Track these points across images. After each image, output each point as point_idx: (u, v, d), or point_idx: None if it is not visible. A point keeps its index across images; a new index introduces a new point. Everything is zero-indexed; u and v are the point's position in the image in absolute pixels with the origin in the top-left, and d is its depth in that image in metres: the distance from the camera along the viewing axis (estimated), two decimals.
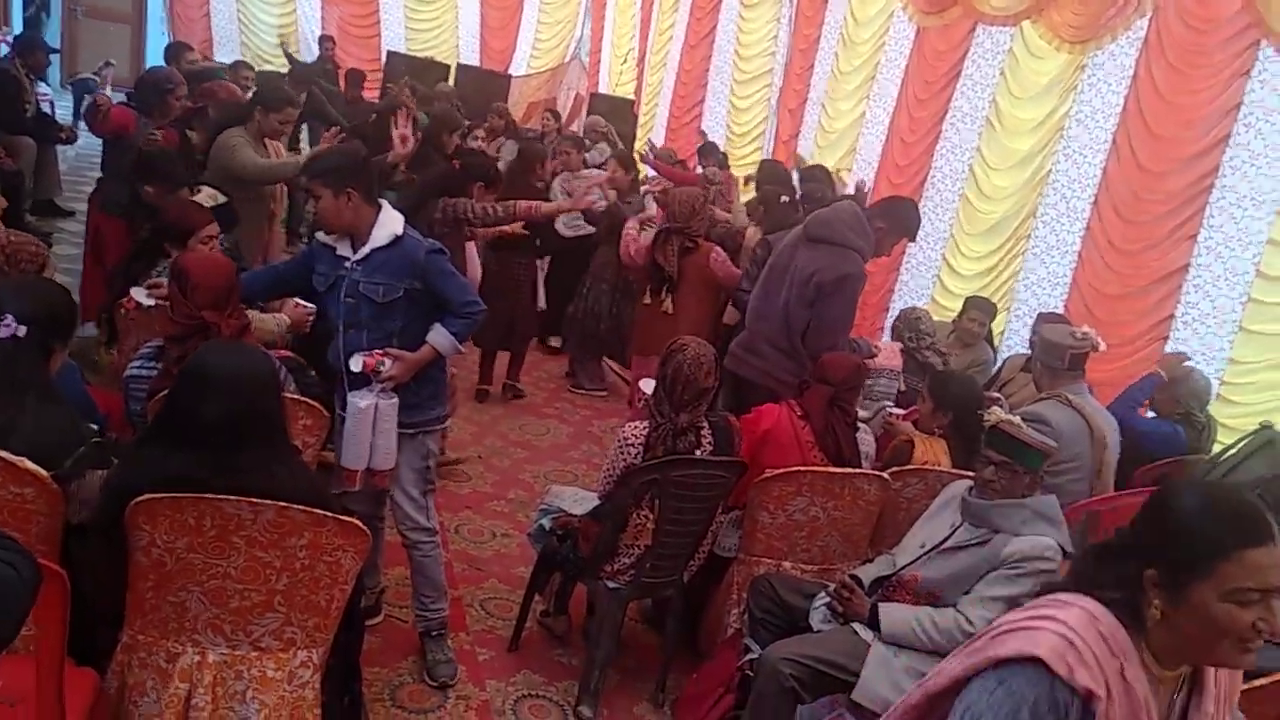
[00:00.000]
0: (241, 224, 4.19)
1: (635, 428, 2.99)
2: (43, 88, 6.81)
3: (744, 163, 8.59)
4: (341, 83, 9.00)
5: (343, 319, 2.78)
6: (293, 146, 6.51)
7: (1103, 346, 3.48)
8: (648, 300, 4.62)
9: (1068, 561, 2.57)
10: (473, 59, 12.39)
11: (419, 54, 11.48)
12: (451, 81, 10.09)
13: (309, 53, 10.59)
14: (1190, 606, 1.41)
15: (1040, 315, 4.71)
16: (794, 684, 2.49)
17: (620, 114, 10.09)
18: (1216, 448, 3.74)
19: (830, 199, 4.88)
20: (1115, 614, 1.46)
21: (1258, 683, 1.99)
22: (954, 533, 2.61)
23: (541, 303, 6.00)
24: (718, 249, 4.55)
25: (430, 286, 2.78)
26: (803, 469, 3.03)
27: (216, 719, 2.05)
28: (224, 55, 11.05)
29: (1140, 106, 5.04)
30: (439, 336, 2.81)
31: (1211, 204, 4.71)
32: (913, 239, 4.05)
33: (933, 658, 2.50)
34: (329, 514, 2.04)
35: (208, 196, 3.98)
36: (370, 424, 2.71)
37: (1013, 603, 2.44)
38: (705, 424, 2.99)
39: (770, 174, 5.93)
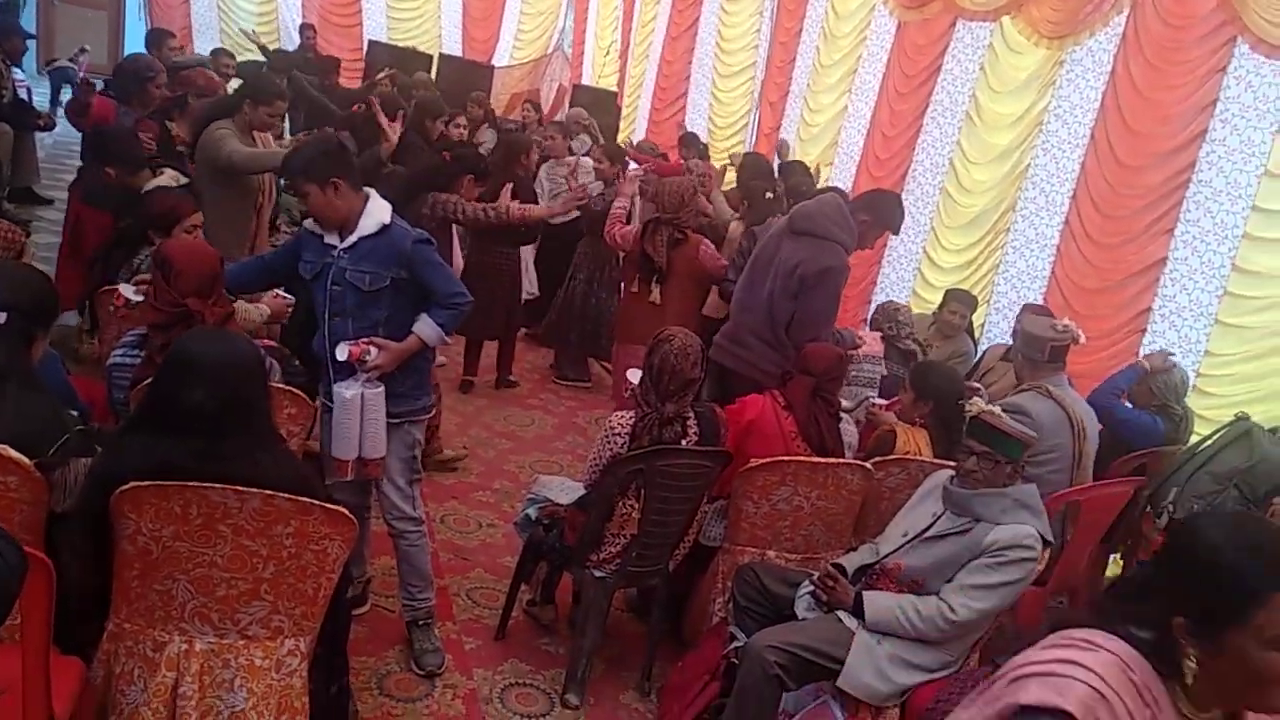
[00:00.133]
0: (228, 216, 4.16)
1: (621, 417, 3.00)
2: (19, 74, 6.69)
3: (726, 157, 8.60)
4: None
5: (328, 307, 2.76)
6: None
7: (1083, 339, 3.53)
8: (635, 290, 4.63)
9: (1048, 550, 2.61)
10: (455, 49, 12.32)
11: (401, 44, 11.39)
12: (434, 72, 10.02)
13: (289, 41, 10.47)
14: (1229, 656, 1.31)
15: (1025, 306, 4.76)
16: (779, 672, 2.52)
17: (603, 106, 10.05)
18: (1194, 439, 3.80)
19: (813, 191, 4.90)
20: (1146, 657, 1.36)
21: None
22: (936, 522, 2.64)
23: (535, 289, 5.98)
24: (707, 241, 4.56)
25: (416, 276, 2.76)
26: (786, 459, 3.05)
27: (204, 708, 2.04)
28: (203, 42, 10.94)
29: (1118, 102, 5.11)
30: (425, 327, 2.80)
31: (1188, 199, 4.78)
32: (896, 233, 4.05)
33: (915, 645, 2.55)
34: (315, 502, 2.03)
35: (170, 178, 3.94)
36: (358, 414, 2.70)
37: (993, 590, 2.49)
38: (691, 414, 3.01)
39: (753, 167, 5.94)
